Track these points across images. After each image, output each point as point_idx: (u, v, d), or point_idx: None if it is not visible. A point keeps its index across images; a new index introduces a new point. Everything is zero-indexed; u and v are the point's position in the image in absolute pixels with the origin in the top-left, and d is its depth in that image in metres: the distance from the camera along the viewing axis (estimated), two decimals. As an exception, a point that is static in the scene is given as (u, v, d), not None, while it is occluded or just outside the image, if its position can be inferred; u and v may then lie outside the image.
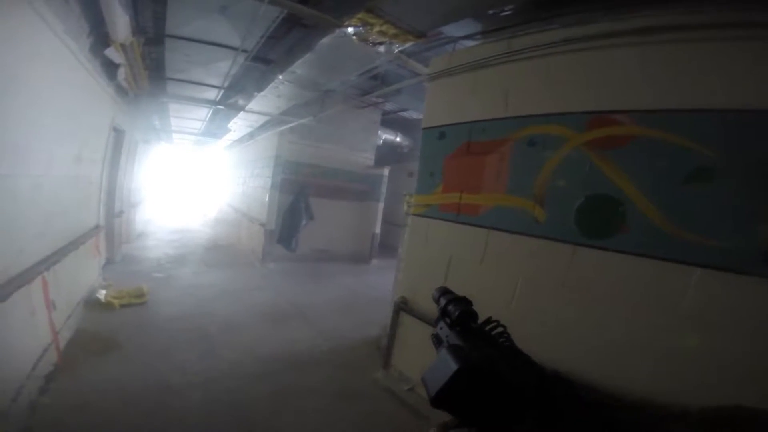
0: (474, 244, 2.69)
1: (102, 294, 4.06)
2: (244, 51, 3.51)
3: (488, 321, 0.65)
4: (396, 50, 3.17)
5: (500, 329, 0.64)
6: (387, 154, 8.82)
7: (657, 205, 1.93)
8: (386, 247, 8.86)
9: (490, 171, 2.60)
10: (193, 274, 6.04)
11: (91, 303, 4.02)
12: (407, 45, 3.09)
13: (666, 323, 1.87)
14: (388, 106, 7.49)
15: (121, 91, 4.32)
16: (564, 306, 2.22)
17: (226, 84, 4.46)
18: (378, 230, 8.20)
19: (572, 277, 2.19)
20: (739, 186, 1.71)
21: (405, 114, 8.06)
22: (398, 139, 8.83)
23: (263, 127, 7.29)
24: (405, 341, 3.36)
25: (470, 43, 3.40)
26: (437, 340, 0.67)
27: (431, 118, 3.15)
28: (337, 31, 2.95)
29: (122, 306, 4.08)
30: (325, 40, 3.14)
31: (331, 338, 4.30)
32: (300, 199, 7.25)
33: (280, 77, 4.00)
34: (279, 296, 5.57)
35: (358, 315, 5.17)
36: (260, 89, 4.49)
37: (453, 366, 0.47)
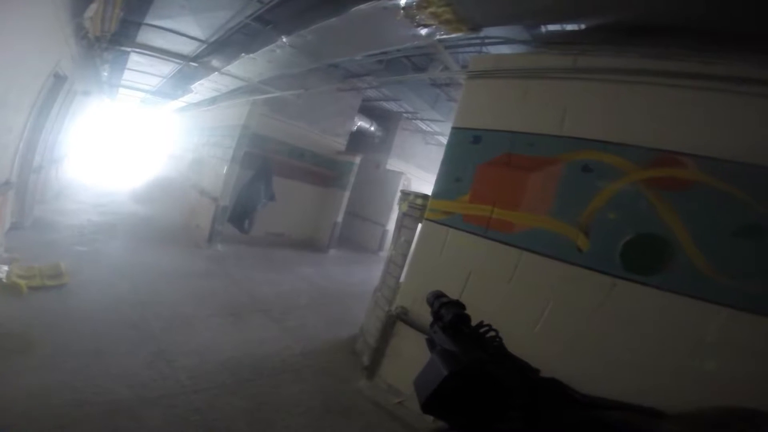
0: (503, 262, 2.56)
1: (4, 271, 3.03)
2: (260, 1, 2.88)
3: (480, 325, 0.65)
4: (438, 37, 2.86)
5: (492, 333, 0.64)
6: (358, 142, 8.37)
7: (703, 250, 1.99)
8: (345, 238, 8.48)
9: (533, 189, 2.48)
10: (126, 251, 4.98)
11: (-11, 283, 2.99)
12: (453, 35, 2.80)
13: (690, 351, 1.98)
14: (370, 93, 7.05)
15: (79, 31, 3.46)
16: (594, 332, 2.23)
17: (212, 39, 3.68)
18: (340, 219, 7.75)
19: (608, 306, 2.19)
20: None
21: (385, 104, 7.69)
22: (372, 128, 8.43)
23: (231, 93, 6.32)
24: (399, 352, 3.13)
25: (502, 48, 3.24)
26: (431, 344, 0.67)
27: (465, 118, 2.92)
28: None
29: (32, 289, 3.08)
30: (363, 7, 2.69)
31: (301, 339, 3.87)
32: (261, 177, 6.46)
33: (285, 39, 3.38)
34: (233, 285, 4.89)
35: (325, 312, 4.79)
36: (251, 50, 3.77)
37: (443, 372, 0.48)
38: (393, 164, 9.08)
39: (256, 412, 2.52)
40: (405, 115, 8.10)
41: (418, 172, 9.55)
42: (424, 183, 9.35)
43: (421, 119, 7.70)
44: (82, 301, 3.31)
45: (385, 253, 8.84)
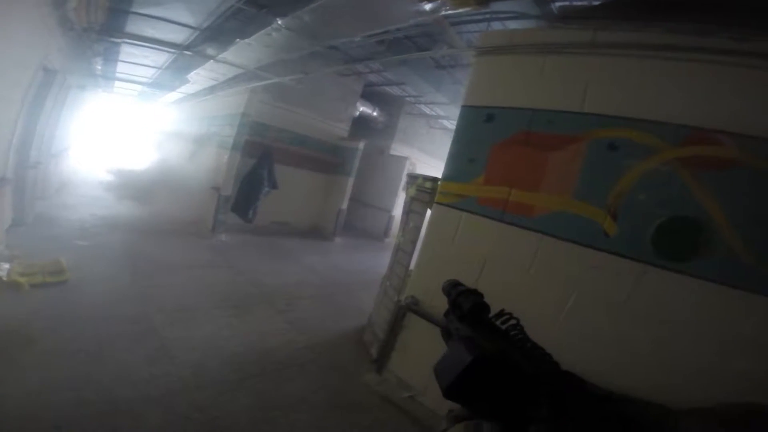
0: (521, 248, 2.40)
1: (5, 269, 2.95)
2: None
3: (501, 314, 0.64)
4: (443, 12, 2.63)
5: (513, 321, 0.62)
6: (360, 128, 8.14)
7: (742, 235, 1.83)
8: (350, 225, 8.35)
9: (554, 169, 2.29)
10: (128, 243, 4.87)
11: (-10, 281, 2.90)
12: (460, 10, 2.57)
13: (727, 347, 1.83)
14: (372, 78, 6.79)
15: (65, 23, 3.34)
16: (621, 324, 2.08)
17: (205, 25, 3.48)
18: (345, 206, 7.61)
19: (639, 296, 2.04)
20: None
21: (387, 89, 7.43)
22: (375, 114, 8.19)
23: (230, 82, 6.15)
24: (408, 345, 3.01)
25: (510, 24, 3.01)
26: (447, 334, 0.66)
27: (476, 96, 2.72)
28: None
29: (33, 286, 2.98)
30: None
31: (306, 331, 3.77)
32: (263, 165, 6.31)
33: (280, 22, 3.17)
34: (237, 276, 4.79)
35: (330, 302, 4.69)
36: (246, 35, 3.58)
37: (467, 357, 0.48)
38: (397, 149, 8.87)
39: (260, 410, 2.43)
40: (408, 99, 7.85)
41: (423, 156, 9.34)
42: (429, 167, 9.15)
43: (425, 103, 7.46)
44: (83, 296, 3.22)
45: (391, 240, 8.73)
